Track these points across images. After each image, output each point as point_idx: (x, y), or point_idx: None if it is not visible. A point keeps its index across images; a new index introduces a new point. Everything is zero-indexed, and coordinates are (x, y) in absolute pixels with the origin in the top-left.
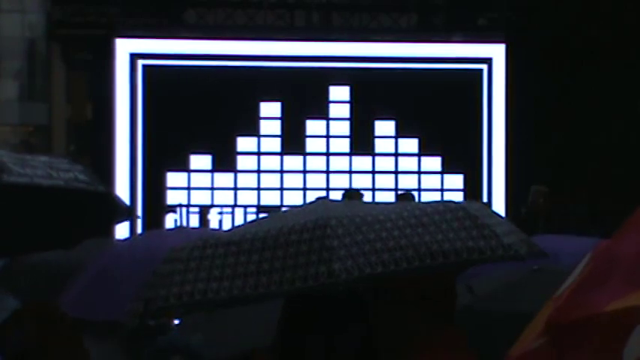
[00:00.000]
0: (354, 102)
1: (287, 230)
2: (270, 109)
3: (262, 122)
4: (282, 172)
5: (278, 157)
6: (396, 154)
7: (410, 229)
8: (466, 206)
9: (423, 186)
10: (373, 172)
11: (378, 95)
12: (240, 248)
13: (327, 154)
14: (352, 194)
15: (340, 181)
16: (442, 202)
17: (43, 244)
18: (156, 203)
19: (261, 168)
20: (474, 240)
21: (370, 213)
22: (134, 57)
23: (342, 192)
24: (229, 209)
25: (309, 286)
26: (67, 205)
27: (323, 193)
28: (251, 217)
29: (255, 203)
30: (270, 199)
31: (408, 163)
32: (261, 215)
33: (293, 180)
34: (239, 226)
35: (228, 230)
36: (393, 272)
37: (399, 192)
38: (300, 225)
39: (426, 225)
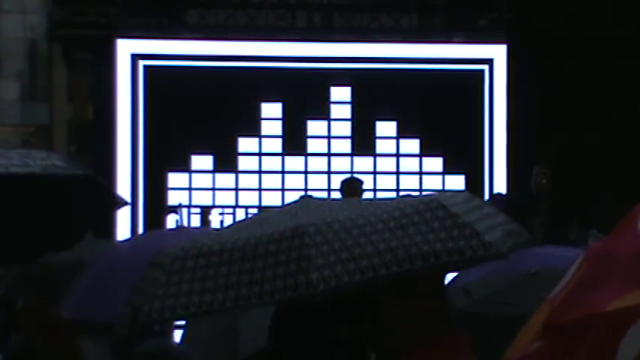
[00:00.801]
0: (355, 103)
1: (266, 239)
2: (271, 109)
3: (263, 123)
4: (283, 172)
5: (279, 158)
6: (398, 155)
7: (389, 233)
8: (447, 204)
9: (424, 186)
10: (374, 173)
11: (379, 96)
12: (222, 259)
13: (329, 154)
14: (351, 183)
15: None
16: (423, 200)
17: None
18: (157, 204)
19: (263, 169)
20: (454, 240)
21: (349, 217)
22: (135, 57)
23: (341, 181)
24: (230, 210)
25: (288, 298)
26: (48, 192)
27: (324, 194)
28: None
29: (257, 204)
30: (272, 199)
31: (409, 164)
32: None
33: (294, 180)
34: (229, 226)
35: (217, 230)
36: (372, 279)
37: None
38: (279, 233)
39: (405, 227)
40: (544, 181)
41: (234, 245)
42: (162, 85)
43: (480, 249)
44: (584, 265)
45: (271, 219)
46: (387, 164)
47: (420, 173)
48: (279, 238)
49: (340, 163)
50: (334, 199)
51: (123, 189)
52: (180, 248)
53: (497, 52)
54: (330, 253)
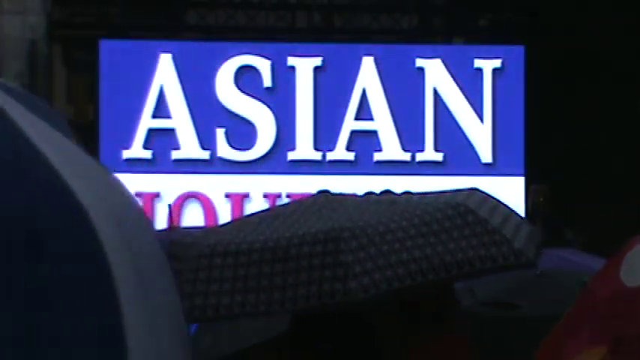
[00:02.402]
0: (354, 103)
1: (297, 241)
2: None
3: None
4: (283, 173)
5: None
6: (398, 155)
7: (422, 239)
8: (474, 208)
9: (424, 187)
10: (374, 174)
11: (379, 96)
12: (250, 259)
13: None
14: None
15: (341, 182)
16: (450, 204)
17: None
18: (157, 204)
19: None
20: (485, 247)
21: (381, 221)
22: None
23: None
24: None
25: (324, 304)
26: None
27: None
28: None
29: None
30: (271, 200)
31: (409, 165)
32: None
33: (294, 181)
34: (248, 216)
35: (227, 225)
36: (410, 287)
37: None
38: (311, 235)
39: (438, 233)
40: (541, 199)
41: (264, 245)
42: (162, 85)
43: (511, 256)
44: (573, 307)
45: (295, 216)
46: (386, 165)
47: (420, 174)
48: (312, 241)
49: (340, 164)
50: (354, 196)
51: None
52: (207, 244)
53: (497, 53)
54: (367, 259)
